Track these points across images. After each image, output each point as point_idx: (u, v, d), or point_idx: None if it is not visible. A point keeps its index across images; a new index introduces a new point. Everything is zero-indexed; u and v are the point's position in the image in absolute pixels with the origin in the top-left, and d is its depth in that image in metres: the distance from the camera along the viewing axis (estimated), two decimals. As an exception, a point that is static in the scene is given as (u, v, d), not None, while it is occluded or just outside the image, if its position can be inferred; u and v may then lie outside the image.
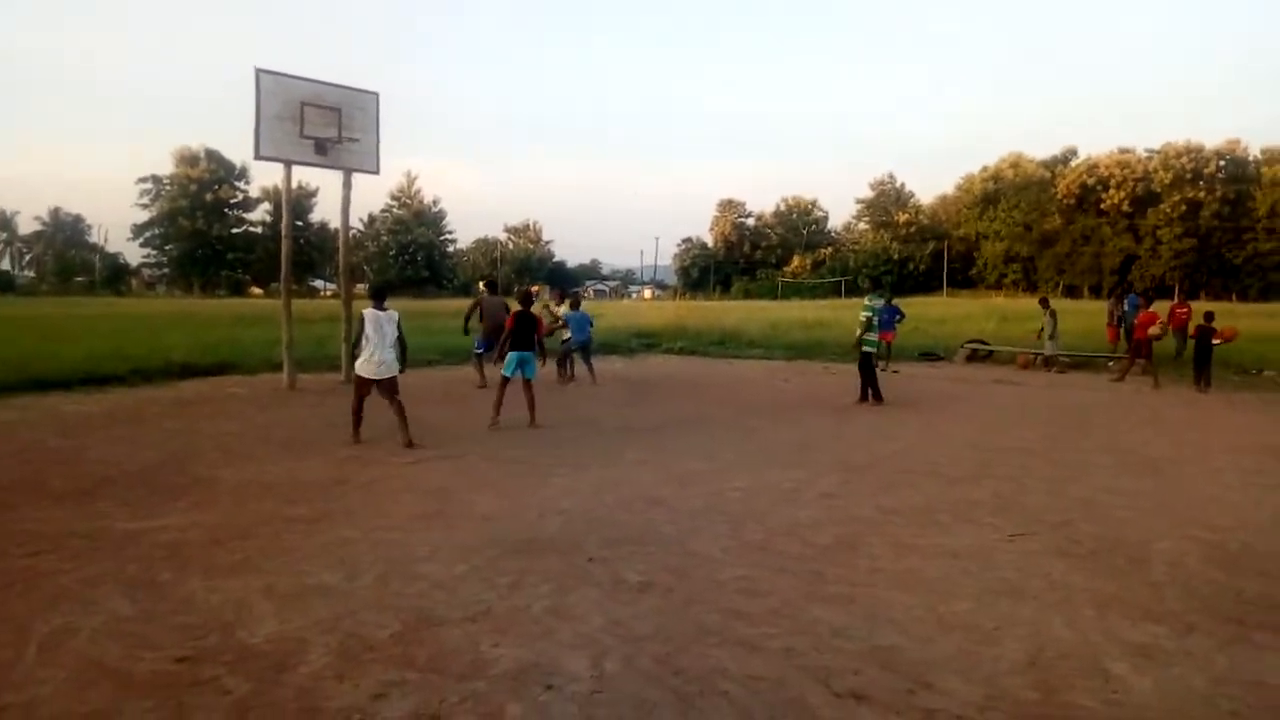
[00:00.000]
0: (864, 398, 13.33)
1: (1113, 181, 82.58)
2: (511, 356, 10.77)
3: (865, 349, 13.56)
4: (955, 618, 4.51)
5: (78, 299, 64.78)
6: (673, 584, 4.98)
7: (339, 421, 10.81)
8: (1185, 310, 18.55)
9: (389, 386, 9.30)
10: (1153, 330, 16.93)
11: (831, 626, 4.36)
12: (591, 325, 16.81)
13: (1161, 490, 7.60)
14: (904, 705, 3.54)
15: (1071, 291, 79.33)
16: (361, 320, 9.14)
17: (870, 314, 13.59)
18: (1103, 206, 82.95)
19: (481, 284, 12.59)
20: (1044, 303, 20.45)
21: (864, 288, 73.76)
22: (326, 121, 14.22)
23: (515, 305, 11.66)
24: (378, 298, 9.59)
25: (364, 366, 9.17)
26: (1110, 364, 19.62)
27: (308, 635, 4.17)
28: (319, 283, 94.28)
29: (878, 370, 18.97)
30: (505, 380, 10.89)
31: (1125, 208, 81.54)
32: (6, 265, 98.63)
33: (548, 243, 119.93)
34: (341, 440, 9.44)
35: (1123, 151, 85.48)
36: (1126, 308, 19.82)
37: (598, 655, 3.99)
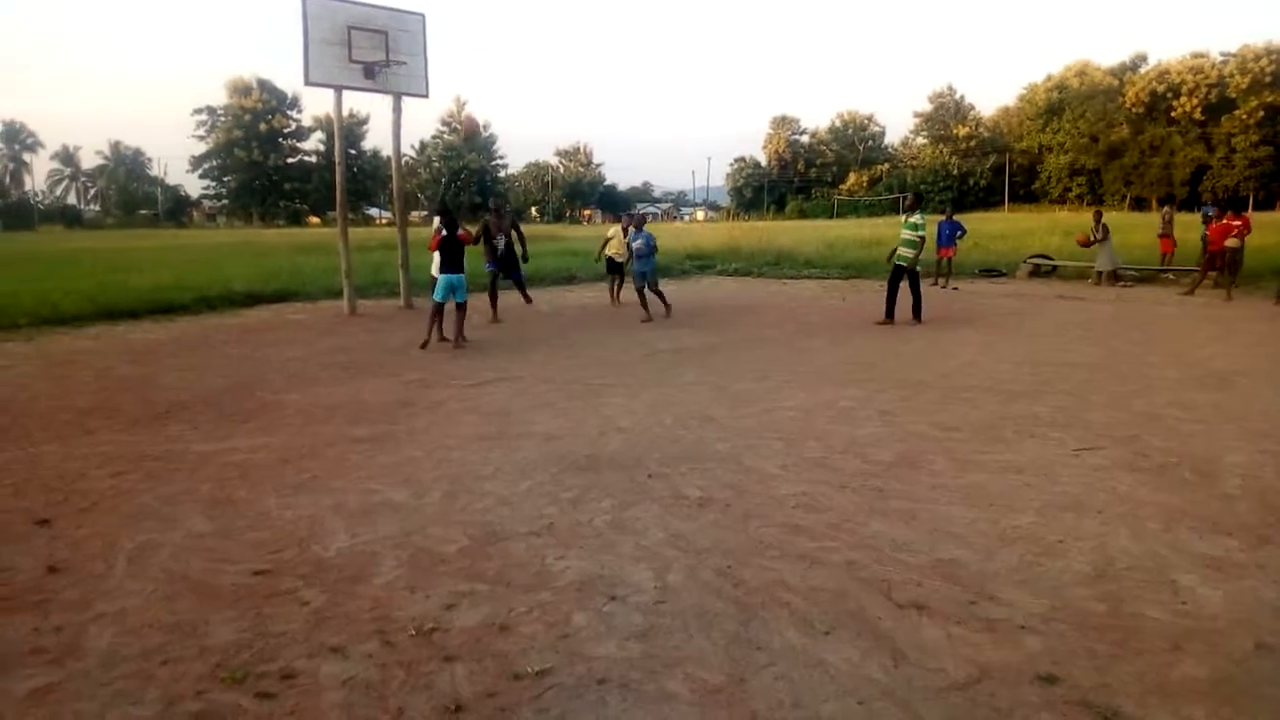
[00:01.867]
0: (889, 316, 12.77)
1: (1185, 88, 78.92)
2: (441, 280, 10.68)
3: (898, 262, 12.81)
4: (1018, 531, 4.48)
5: (142, 231, 66.25)
6: (731, 500, 5.02)
7: (400, 346, 11.00)
8: (1242, 223, 17.66)
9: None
10: (1230, 242, 16.29)
11: (892, 541, 4.36)
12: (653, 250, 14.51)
13: (1232, 404, 7.41)
14: (966, 615, 3.54)
15: (1139, 204, 76.73)
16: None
17: (918, 233, 12.68)
18: (1173, 115, 79.48)
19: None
20: (1097, 215, 19.78)
21: (929, 204, 72.13)
22: (374, 45, 14.12)
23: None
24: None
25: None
26: (1170, 275, 19.06)
27: (379, 549, 4.30)
28: (374, 211, 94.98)
29: (935, 285, 18.69)
30: (437, 306, 10.86)
31: (1197, 115, 78.02)
32: (73, 199, 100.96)
33: (598, 166, 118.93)
34: (403, 363, 9.59)
35: (1196, 56, 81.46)
36: (1203, 216, 18.96)
37: (660, 568, 4.05)
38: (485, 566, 4.09)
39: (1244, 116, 75.05)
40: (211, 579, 3.99)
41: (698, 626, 3.48)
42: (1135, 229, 28.93)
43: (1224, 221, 16.79)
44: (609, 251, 16.45)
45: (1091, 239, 19.07)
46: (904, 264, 12.75)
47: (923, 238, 12.80)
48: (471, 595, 3.78)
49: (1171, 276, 19.05)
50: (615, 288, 16.44)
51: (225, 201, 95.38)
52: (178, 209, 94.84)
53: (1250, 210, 62.24)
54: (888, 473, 5.53)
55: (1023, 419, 6.93)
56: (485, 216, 14.31)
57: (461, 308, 10.90)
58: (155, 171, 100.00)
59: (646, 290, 13.82)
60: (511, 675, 3.12)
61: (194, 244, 36.52)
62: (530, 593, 3.80)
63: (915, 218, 12.78)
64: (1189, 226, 23.65)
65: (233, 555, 4.26)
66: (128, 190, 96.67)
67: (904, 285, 12.92)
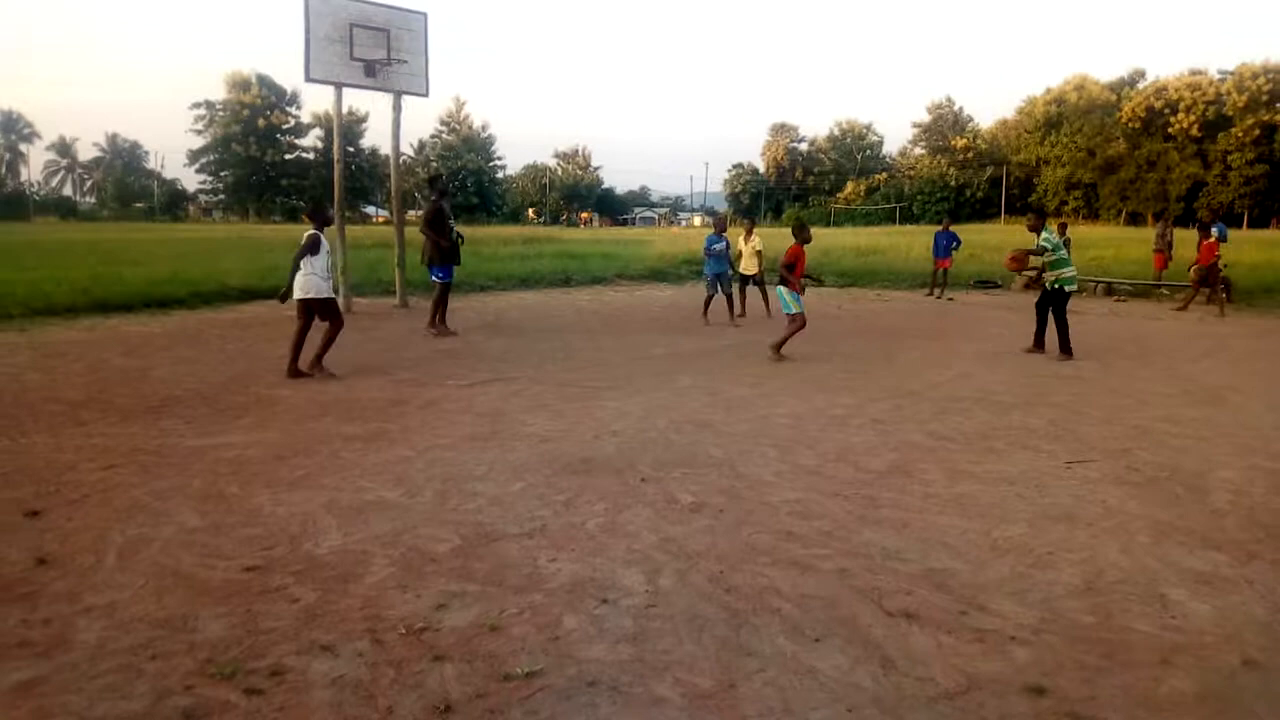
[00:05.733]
0: (1038, 345, 10.97)
1: (1182, 105, 79.23)
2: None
3: (1068, 288, 10.75)
4: (1009, 542, 4.49)
5: (137, 224, 66.11)
6: (724, 505, 5.03)
7: (395, 344, 10.99)
8: (1211, 246, 17.66)
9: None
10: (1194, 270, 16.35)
11: (884, 549, 4.37)
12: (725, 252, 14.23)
13: (1223, 419, 7.44)
14: (956, 625, 3.55)
15: (1135, 219, 76.98)
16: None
17: (1051, 246, 10.70)
18: (1170, 131, 79.76)
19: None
20: (1062, 228, 19.72)
21: (926, 214, 72.14)
22: (375, 43, 14.13)
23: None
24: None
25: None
26: (1164, 290, 19.12)
27: (370, 548, 4.29)
28: (371, 209, 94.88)
29: (931, 296, 18.69)
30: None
31: (1194, 132, 78.30)
32: (69, 191, 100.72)
33: (597, 169, 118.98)
34: (397, 362, 9.58)
35: (1193, 73, 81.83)
36: (1218, 234, 18.94)
37: (652, 571, 4.05)
38: (477, 567, 4.08)
39: (1240, 134, 75.39)
40: (202, 574, 3.98)
41: (688, 631, 3.48)
42: (1131, 244, 29.05)
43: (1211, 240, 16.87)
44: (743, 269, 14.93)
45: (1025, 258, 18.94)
46: (1067, 286, 10.76)
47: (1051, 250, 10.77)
48: (462, 596, 3.77)
49: (1166, 292, 19.12)
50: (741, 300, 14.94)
51: (222, 196, 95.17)
52: (174, 203, 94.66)
53: (1245, 227, 62.56)
54: (880, 481, 5.54)
55: (1015, 430, 6.95)
56: (436, 201, 11.95)
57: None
58: (152, 165, 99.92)
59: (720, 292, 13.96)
60: (501, 676, 3.11)
61: (189, 238, 36.42)
62: (521, 594, 3.80)
63: (1045, 235, 10.84)
64: (1188, 243, 23.74)
65: (224, 551, 4.25)
66: (124, 183, 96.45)
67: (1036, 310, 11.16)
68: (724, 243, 14.06)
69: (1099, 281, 19.96)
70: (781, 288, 10.34)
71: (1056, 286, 10.73)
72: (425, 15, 14.99)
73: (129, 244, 29.50)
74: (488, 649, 3.31)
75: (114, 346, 10.65)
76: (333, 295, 8.81)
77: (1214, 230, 18.86)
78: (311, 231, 8.67)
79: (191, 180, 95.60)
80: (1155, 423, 7.28)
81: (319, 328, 8.88)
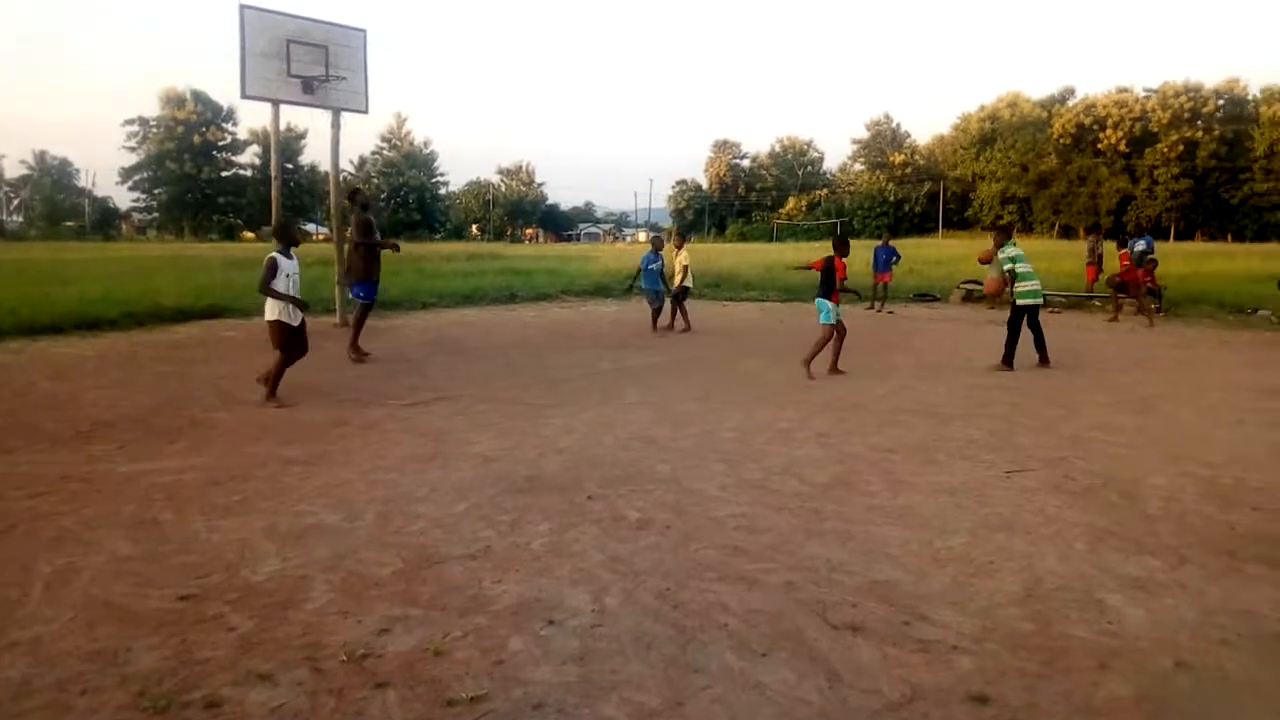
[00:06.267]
0: (1007, 361, 10.92)
1: (1110, 121, 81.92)
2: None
3: (1020, 301, 11.02)
4: (951, 552, 4.56)
5: (67, 244, 64.21)
6: (671, 521, 5.02)
7: (334, 364, 10.81)
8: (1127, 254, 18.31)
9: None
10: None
11: (829, 562, 4.40)
12: (657, 269, 15.05)
13: (1154, 428, 7.65)
14: (900, 637, 3.58)
15: (1067, 232, 79.11)
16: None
17: (1013, 263, 10.96)
18: (1099, 147, 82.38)
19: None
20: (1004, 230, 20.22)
21: (866, 229, 73.25)
22: (313, 59, 13.93)
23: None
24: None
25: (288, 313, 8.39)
26: (1096, 302, 19.65)
27: (310, 573, 4.20)
28: (311, 226, 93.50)
29: (871, 309, 19.00)
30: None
31: (1122, 148, 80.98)
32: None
33: (540, 185, 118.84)
34: (338, 382, 9.42)
35: (1120, 91, 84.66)
36: (1144, 247, 19.51)
37: (598, 590, 4.02)
38: (419, 590, 4.02)
39: (1165, 150, 78.09)
40: (134, 604, 3.86)
41: (635, 650, 3.46)
42: (1063, 257, 29.82)
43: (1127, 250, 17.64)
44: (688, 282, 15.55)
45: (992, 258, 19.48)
46: (1033, 300, 11.10)
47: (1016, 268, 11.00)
48: (405, 620, 3.71)
49: (1097, 304, 19.64)
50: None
51: (156, 215, 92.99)
52: (106, 221, 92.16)
53: (1172, 240, 64.66)
54: (825, 494, 5.59)
55: (955, 441, 7.06)
56: (360, 213, 11.20)
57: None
58: (83, 183, 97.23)
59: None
60: (445, 702, 3.06)
61: (122, 257, 35.48)
62: (466, 617, 3.74)
63: (1012, 250, 11.12)
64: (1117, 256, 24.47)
65: (157, 580, 4.13)
66: (53, 201, 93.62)
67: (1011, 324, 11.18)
68: (660, 261, 15.02)
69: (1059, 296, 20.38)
70: (822, 299, 10.40)
71: (1019, 301, 11.04)
72: (364, 32, 14.85)
73: (58, 263, 28.64)
74: (431, 674, 3.26)
75: (41, 369, 10.31)
76: (291, 322, 8.35)
77: (1141, 242, 19.50)
78: (271, 255, 8.32)
79: (124, 198, 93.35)
80: (1090, 431, 7.45)
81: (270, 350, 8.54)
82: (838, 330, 10.37)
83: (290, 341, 8.38)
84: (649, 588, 4.06)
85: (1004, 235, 11.65)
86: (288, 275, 8.33)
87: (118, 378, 9.84)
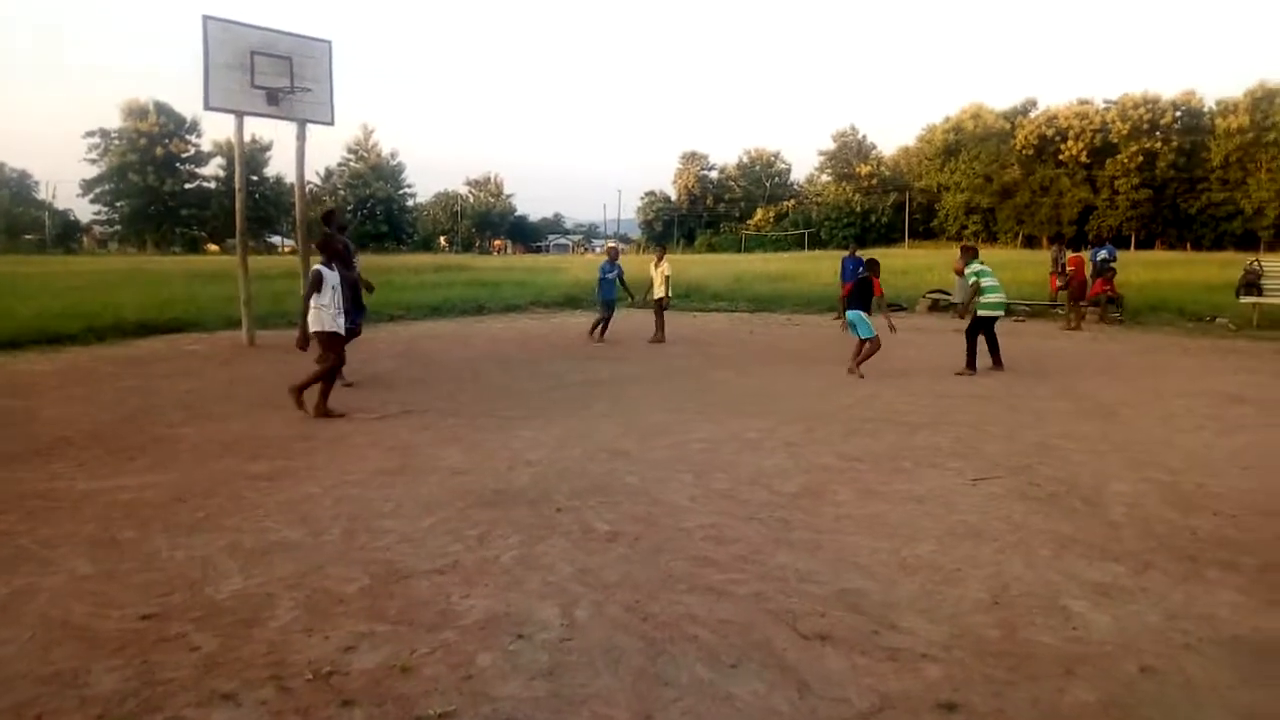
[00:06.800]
0: (996, 363, 11.61)
1: (1071, 132, 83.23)
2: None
3: (980, 312, 11.57)
4: (919, 560, 4.58)
5: (27, 257, 63.08)
6: (641, 533, 5.01)
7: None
8: (1080, 259, 18.66)
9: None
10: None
11: (798, 571, 4.41)
12: (613, 279, 15.43)
13: (1117, 434, 7.75)
14: (869, 645, 3.60)
15: (1030, 242, 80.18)
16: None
17: (978, 276, 11.57)
18: (1061, 158, 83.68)
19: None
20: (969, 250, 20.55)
21: (834, 240, 73.75)
22: (278, 71, 13.84)
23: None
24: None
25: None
26: (1059, 310, 19.94)
27: (275, 590, 4.14)
28: (276, 238, 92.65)
29: (838, 320, 19.15)
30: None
31: (1083, 158, 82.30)
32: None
33: (509, 196, 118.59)
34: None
35: (1081, 103, 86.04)
36: (1106, 256, 19.82)
37: (567, 604, 4.00)
38: (386, 606, 3.98)
39: (1125, 160, 79.44)
40: (94, 624, 3.78)
41: (605, 663, 3.44)
42: (1027, 266, 30.19)
43: (1077, 255, 18.13)
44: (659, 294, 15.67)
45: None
46: (993, 312, 11.62)
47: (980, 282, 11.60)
48: (371, 636, 3.67)
49: (1061, 312, 19.89)
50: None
51: (118, 227, 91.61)
52: (66, 234, 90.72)
53: (1132, 249, 65.76)
54: (793, 503, 5.60)
55: (922, 449, 7.12)
56: (332, 235, 9.82)
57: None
58: (43, 195, 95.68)
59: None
60: (413, 719, 3.03)
61: (83, 270, 34.91)
62: (433, 632, 3.71)
63: (978, 263, 11.78)
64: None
65: (118, 599, 4.05)
66: (12, 214, 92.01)
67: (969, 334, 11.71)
68: (617, 270, 15.45)
69: (958, 304, 20.64)
70: (860, 313, 11.29)
71: (979, 312, 11.61)
72: (329, 43, 14.77)
73: (17, 277, 28.11)
74: (399, 691, 3.22)
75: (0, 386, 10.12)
76: (340, 331, 8.57)
77: (1103, 251, 19.80)
78: (316, 266, 8.49)
79: (86, 211, 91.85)
80: (1054, 439, 7.54)
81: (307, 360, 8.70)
82: (874, 341, 11.20)
83: (338, 350, 8.58)
84: (619, 600, 4.05)
85: (970, 254, 12.23)
86: (333, 288, 8.48)
87: (78, 393, 9.68)
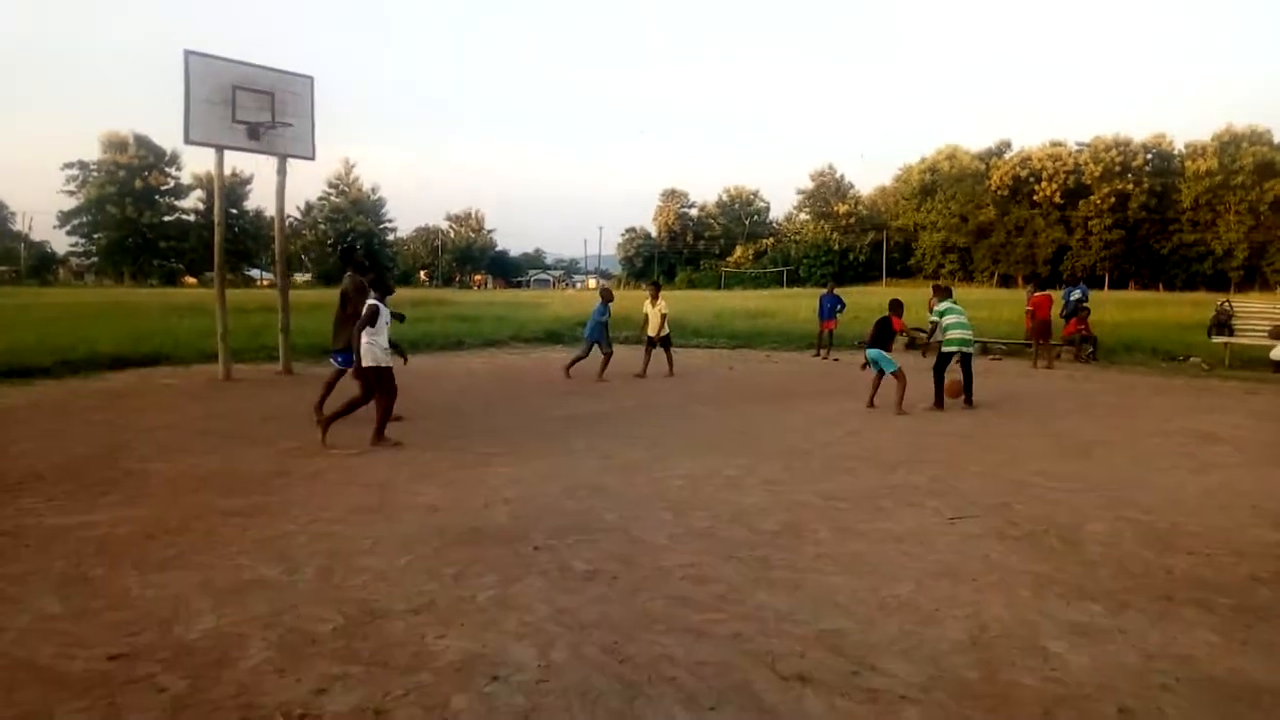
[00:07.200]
0: (938, 402, 11.78)
1: (1045, 173, 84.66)
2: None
3: (944, 349, 11.97)
4: (898, 600, 4.57)
5: (1, 289, 62.55)
6: (619, 571, 4.97)
7: (278, 413, 10.61)
8: (1045, 298, 18.87)
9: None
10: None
11: (777, 611, 4.39)
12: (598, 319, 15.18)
13: (1092, 473, 7.80)
14: (849, 687, 3.57)
15: (1006, 281, 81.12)
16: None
17: (941, 315, 11.99)
18: (1035, 198, 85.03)
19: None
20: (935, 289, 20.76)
21: (812, 277, 74.25)
22: (259, 105, 13.89)
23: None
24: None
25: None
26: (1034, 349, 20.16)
27: (247, 630, 4.08)
28: (255, 272, 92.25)
29: (817, 357, 19.29)
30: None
31: (1057, 199, 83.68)
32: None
33: (490, 231, 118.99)
34: (280, 431, 9.24)
35: (1054, 144, 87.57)
36: (1079, 296, 20.05)
37: (544, 644, 3.96)
38: (361, 647, 3.92)
39: (1098, 201, 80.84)
40: (60, 665, 3.70)
41: (581, 706, 3.40)
42: (1003, 305, 30.52)
43: (1045, 294, 18.44)
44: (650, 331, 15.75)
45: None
46: (956, 348, 11.89)
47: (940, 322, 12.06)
48: (345, 678, 3.61)
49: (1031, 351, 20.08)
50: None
51: (95, 259, 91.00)
52: (42, 266, 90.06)
53: (1106, 289, 66.64)
54: (773, 542, 5.59)
55: (901, 488, 7.13)
56: (355, 278, 9.91)
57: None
58: (19, 226, 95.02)
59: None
60: (386, 763, 2.97)
61: (58, 302, 34.60)
62: (408, 674, 3.65)
63: (949, 303, 12.09)
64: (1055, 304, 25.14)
65: (86, 639, 3.97)
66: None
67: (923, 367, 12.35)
68: (608, 313, 15.23)
69: (975, 341, 20.88)
70: (880, 351, 11.69)
71: (943, 349, 12.00)
72: (311, 79, 14.85)
73: (-10, 309, 27.87)
74: (372, 734, 3.16)
75: (-31, 419, 9.97)
76: (390, 365, 8.68)
77: (1077, 291, 20.07)
78: (371, 301, 8.55)
79: (62, 242, 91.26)
80: (1030, 477, 7.58)
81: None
82: (900, 375, 11.49)
83: (391, 383, 8.70)
84: (596, 641, 4.01)
85: (942, 293, 12.49)
86: (385, 322, 8.58)
87: (49, 428, 9.55)
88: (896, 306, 12.27)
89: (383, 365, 8.54)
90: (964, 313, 12.14)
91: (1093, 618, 4.36)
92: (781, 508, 6.45)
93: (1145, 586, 4.82)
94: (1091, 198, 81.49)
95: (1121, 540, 5.71)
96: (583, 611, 4.36)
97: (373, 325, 8.42)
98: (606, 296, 15.70)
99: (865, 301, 33.49)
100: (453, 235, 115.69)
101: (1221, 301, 19.08)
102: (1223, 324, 17.93)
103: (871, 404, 11.78)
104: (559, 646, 3.94)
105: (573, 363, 15.28)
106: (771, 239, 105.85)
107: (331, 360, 10.50)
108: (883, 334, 11.81)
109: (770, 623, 4.24)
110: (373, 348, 8.43)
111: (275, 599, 4.49)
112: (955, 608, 4.47)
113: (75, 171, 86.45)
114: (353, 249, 10.90)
